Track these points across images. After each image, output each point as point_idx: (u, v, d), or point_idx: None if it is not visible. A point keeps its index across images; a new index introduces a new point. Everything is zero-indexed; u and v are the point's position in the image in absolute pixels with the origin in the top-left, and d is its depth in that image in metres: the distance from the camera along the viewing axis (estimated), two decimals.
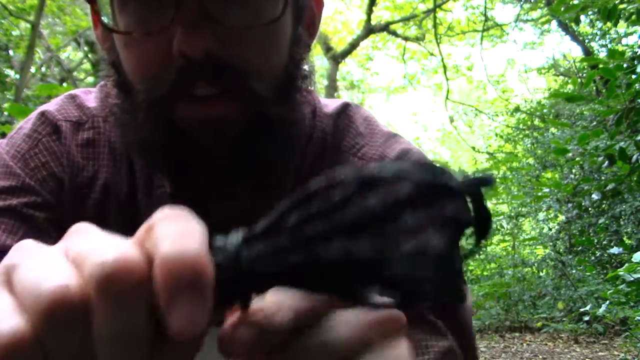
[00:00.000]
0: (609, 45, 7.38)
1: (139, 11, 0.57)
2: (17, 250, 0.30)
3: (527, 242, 8.66)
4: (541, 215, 8.61)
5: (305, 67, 0.65)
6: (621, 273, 3.00)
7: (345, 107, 0.75)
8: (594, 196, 3.25)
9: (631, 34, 7.13)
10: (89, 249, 0.27)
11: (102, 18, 0.60)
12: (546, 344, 6.17)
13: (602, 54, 7.70)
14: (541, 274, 8.18)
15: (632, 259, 2.99)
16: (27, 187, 0.65)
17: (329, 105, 0.75)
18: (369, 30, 9.44)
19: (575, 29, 8.30)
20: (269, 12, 0.57)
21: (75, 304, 0.25)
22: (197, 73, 0.55)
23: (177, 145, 0.58)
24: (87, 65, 9.34)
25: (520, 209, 8.29)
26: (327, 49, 9.76)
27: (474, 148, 10.19)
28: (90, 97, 0.73)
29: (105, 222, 0.67)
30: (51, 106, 0.71)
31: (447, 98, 8.98)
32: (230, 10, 0.56)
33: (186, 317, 0.25)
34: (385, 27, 9.82)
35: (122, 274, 0.25)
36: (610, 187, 3.18)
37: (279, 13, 0.57)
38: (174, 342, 0.27)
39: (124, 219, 0.67)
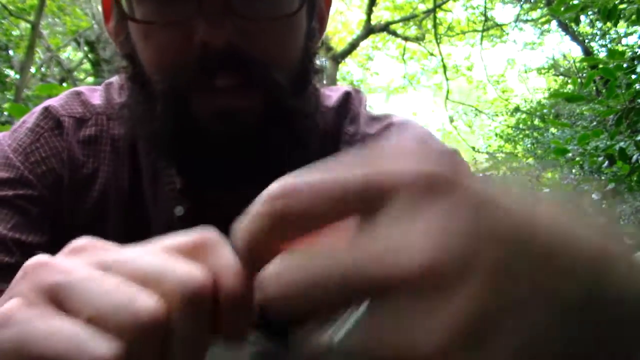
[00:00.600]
0: (609, 45, 7.39)
1: (159, 1, 0.57)
2: (40, 267, 0.29)
3: None
4: None
5: (318, 62, 0.66)
6: None
7: (347, 98, 0.76)
8: (594, 196, 3.25)
9: (631, 34, 7.14)
10: (157, 267, 0.28)
11: (122, 7, 0.60)
12: None
13: (602, 54, 7.71)
14: None
15: None
16: (25, 180, 0.65)
17: (332, 96, 0.76)
18: (369, 30, 9.44)
19: (575, 29, 8.31)
20: (288, 5, 0.58)
21: (164, 322, 0.27)
22: (219, 64, 0.55)
23: (192, 136, 0.59)
24: (87, 65, 9.34)
25: None
26: (327, 49, 9.75)
27: (474, 148, 10.19)
28: (95, 94, 0.73)
29: (104, 219, 0.68)
30: (55, 101, 0.72)
31: (447, 98, 8.99)
32: (251, 3, 0.57)
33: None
34: (385, 27, 9.82)
35: (202, 294, 0.28)
36: (610, 187, 3.18)
37: (298, 6, 0.58)
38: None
39: (125, 217, 0.67)
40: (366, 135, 0.71)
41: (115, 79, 0.74)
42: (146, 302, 0.27)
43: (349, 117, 0.73)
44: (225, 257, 0.29)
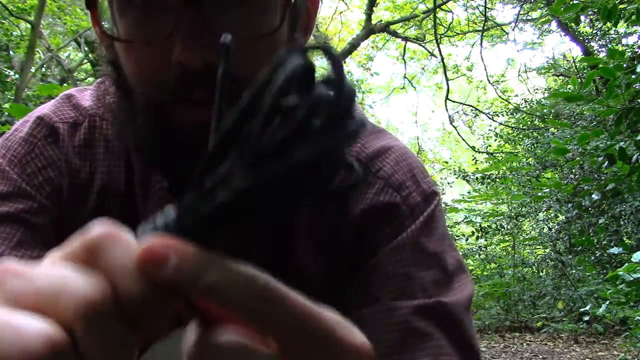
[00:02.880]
0: (609, 45, 7.38)
1: (139, 18, 0.57)
2: None
3: (527, 242, 8.66)
4: (541, 215, 8.61)
5: None
6: (621, 273, 3.00)
7: None
8: (594, 196, 3.25)
9: (631, 34, 7.14)
10: (52, 289, 0.27)
11: (102, 23, 0.60)
12: (546, 344, 6.17)
13: (602, 54, 7.70)
14: (541, 274, 8.19)
15: (632, 259, 2.99)
16: (24, 192, 0.65)
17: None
18: (369, 30, 9.44)
19: (575, 29, 8.31)
20: (268, 22, 0.58)
21: (64, 349, 0.26)
22: (196, 82, 0.56)
23: (173, 145, 0.59)
24: (87, 66, 9.33)
25: (520, 209, 8.29)
26: None
27: (474, 148, 10.19)
28: (85, 95, 0.74)
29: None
30: (47, 108, 0.72)
31: (447, 98, 8.98)
32: (229, 21, 0.56)
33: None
34: (385, 27, 9.82)
35: (99, 307, 0.27)
36: (610, 187, 3.18)
37: (278, 23, 0.58)
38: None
39: (123, 215, 0.67)
40: (364, 150, 0.71)
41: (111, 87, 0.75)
42: (36, 330, 0.26)
43: None
44: (120, 257, 0.28)
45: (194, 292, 0.28)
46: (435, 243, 0.67)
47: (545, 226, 8.70)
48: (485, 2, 8.90)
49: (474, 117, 11.98)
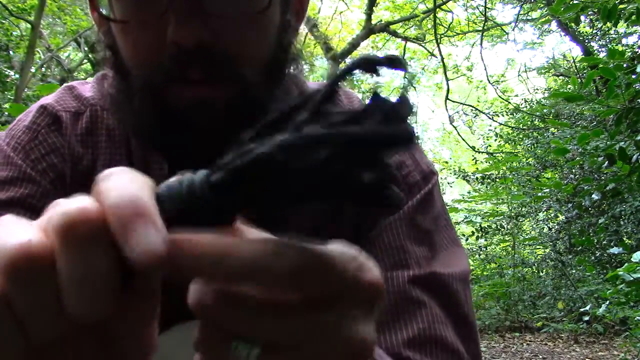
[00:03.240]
0: (609, 45, 7.38)
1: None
2: None
3: (527, 242, 8.65)
4: (541, 215, 8.61)
5: (294, 51, 0.68)
6: (621, 273, 3.00)
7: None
8: (594, 196, 3.25)
9: (631, 34, 7.14)
10: (54, 209, 0.29)
11: (100, 9, 0.63)
12: (546, 344, 6.17)
13: (602, 54, 7.70)
14: (541, 274, 8.18)
15: (632, 259, 2.99)
16: (29, 177, 0.67)
17: (315, 87, 0.78)
18: (369, 30, 9.44)
19: (575, 29, 8.31)
20: (259, 1, 0.60)
21: (39, 256, 0.27)
22: (190, 60, 0.57)
23: (170, 126, 0.61)
24: (87, 66, 9.34)
25: (520, 209, 8.28)
26: (327, 49, 9.75)
27: (474, 148, 10.18)
28: (87, 87, 0.76)
29: None
30: (50, 98, 0.74)
31: (447, 98, 8.98)
32: (222, 1, 0.58)
33: (141, 242, 0.27)
34: (385, 27, 9.82)
35: (80, 221, 0.27)
36: (610, 187, 3.18)
37: (268, 2, 0.60)
38: (137, 287, 0.29)
39: None
40: None
41: (109, 71, 0.77)
42: (17, 238, 0.27)
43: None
44: (114, 185, 0.29)
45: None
46: (430, 222, 0.69)
47: (545, 226, 8.69)
48: (485, 2, 8.90)
49: (474, 117, 11.98)
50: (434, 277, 0.65)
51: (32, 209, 0.65)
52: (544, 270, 8.16)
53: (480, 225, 8.39)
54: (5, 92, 6.82)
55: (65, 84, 0.77)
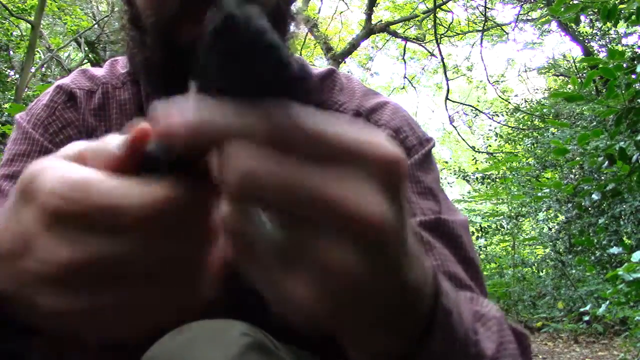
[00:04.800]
0: (609, 45, 7.39)
1: None
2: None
3: (527, 242, 8.66)
4: (541, 215, 8.61)
5: (293, 8, 0.72)
6: (621, 273, 3.01)
7: (332, 72, 0.82)
8: (594, 196, 3.25)
9: (631, 34, 7.14)
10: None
11: None
12: (546, 344, 6.17)
13: (602, 54, 7.71)
14: (541, 274, 8.18)
15: (632, 259, 2.99)
16: (47, 150, 0.72)
17: (317, 70, 0.83)
18: (369, 30, 9.45)
19: (575, 29, 8.31)
20: None
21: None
22: (202, 2, 0.59)
23: (179, 65, 0.62)
24: (87, 66, 9.33)
25: (520, 209, 8.29)
26: (327, 49, 9.76)
27: (474, 148, 10.19)
28: (99, 70, 0.82)
29: None
30: (66, 79, 0.80)
31: (447, 98, 8.99)
32: None
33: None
34: (386, 27, 9.83)
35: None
36: (610, 187, 3.18)
37: None
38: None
39: None
40: (362, 106, 0.77)
41: (120, 57, 0.82)
42: (156, 188, 0.32)
43: (337, 88, 0.79)
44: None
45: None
46: (431, 180, 0.73)
47: (545, 226, 8.70)
48: (485, 2, 8.91)
49: (474, 117, 11.99)
50: (440, 222, 0.67)
51: None
52: (544, 270, 8.16)
53: (480, 225, 8.40)
54: (5, 92, 6.82)
55: (79, 68, 0.83)
